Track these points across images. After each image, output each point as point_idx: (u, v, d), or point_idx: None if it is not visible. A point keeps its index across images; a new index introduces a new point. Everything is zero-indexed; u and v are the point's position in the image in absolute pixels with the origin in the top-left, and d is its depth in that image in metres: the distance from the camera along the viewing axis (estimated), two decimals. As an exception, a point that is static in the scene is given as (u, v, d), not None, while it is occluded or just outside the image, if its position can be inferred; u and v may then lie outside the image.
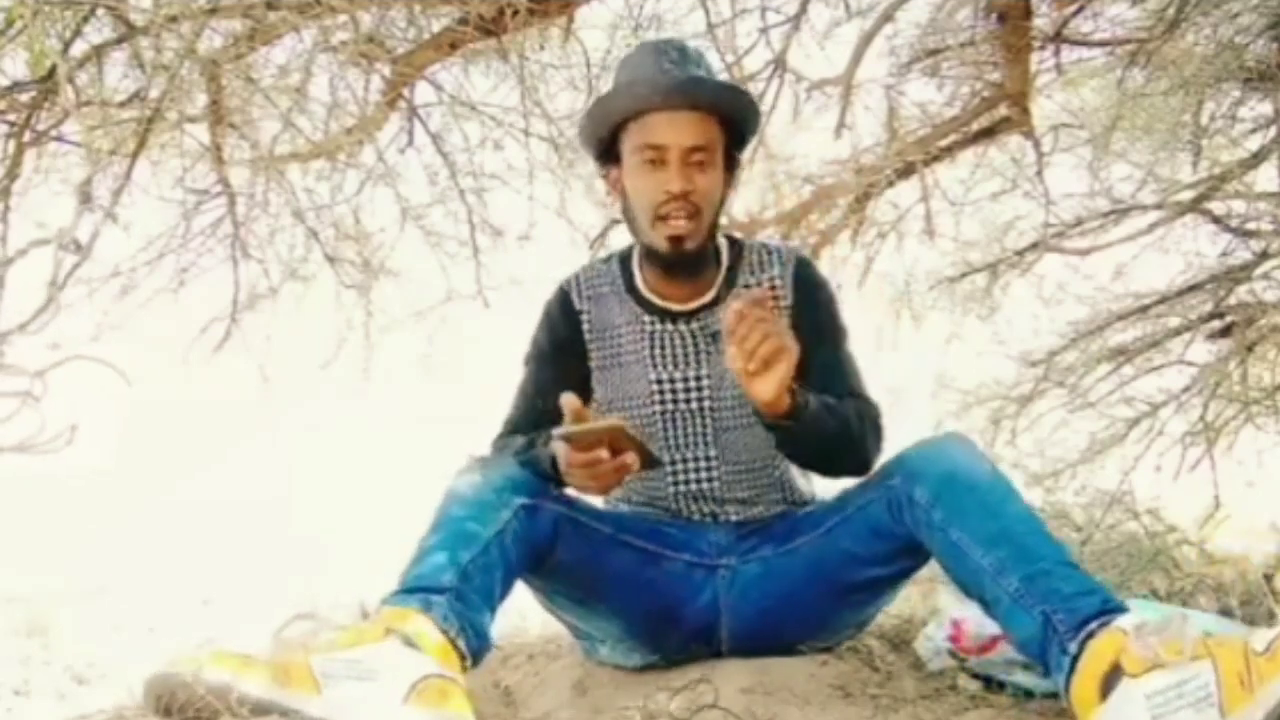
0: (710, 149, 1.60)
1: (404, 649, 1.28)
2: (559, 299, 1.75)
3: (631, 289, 1.72)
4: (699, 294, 1.69)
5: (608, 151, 1.66)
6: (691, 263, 1.63)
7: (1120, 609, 1.28)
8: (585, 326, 1.72)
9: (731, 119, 1.63)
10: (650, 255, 1.65)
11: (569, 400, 1.43)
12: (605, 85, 2.85)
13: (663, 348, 1.68)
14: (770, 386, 1.39)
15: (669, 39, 1.73)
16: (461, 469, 1.56)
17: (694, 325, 1.68)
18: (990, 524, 1.38)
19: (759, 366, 1.37)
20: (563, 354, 1.73)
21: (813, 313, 1.68)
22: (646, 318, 1.70)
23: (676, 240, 1.59)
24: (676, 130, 1.57)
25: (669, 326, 1.69)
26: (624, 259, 1.75)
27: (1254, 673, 1.13)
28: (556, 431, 1.45)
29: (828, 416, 1.51)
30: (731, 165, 1.67)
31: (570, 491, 1.58)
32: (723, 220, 3.13)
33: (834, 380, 1.63)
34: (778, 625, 1.61)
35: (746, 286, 1.68)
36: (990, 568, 1.35)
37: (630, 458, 1.43)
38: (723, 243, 1.73)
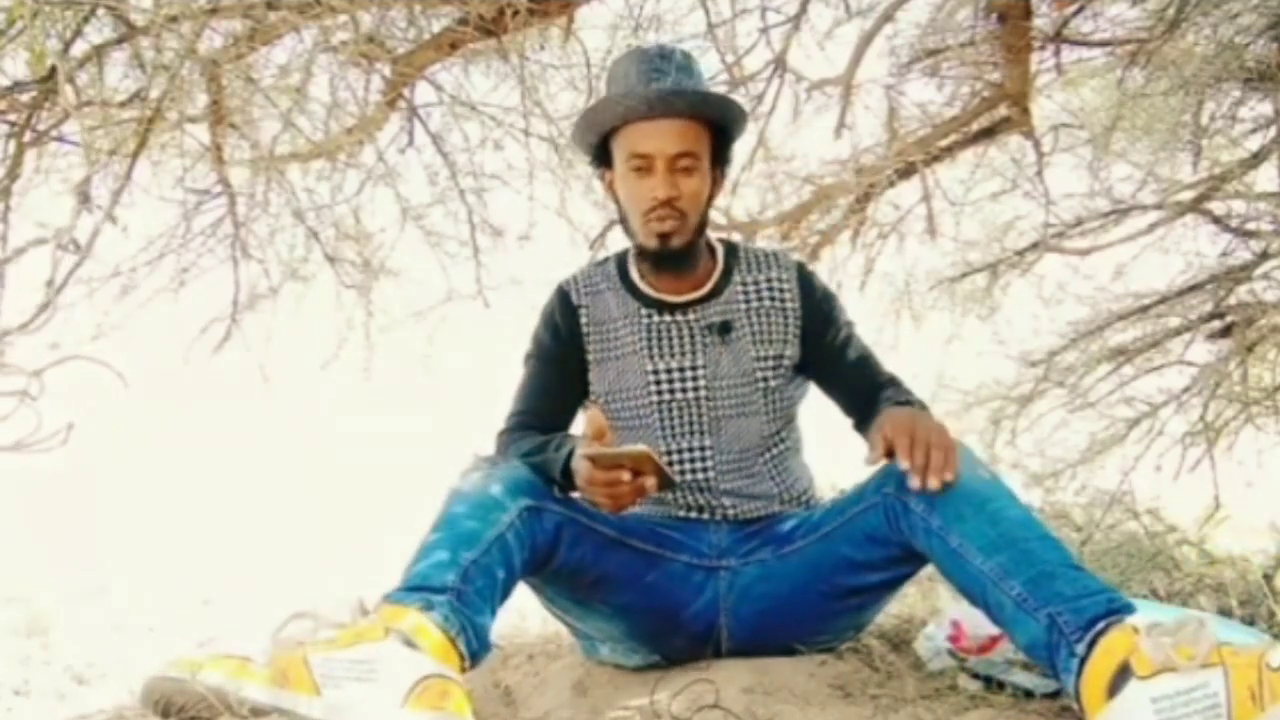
0: (695, 154, 1.63)
1: (404, 649, 1.27)
2: (558, 296, 1.78)
3: (629, 285, 1.75)
4: (695, 287, 1.72)
5: (601, 155, 1.71)
6: (680, 258, 1.67)
7: (1128, 608, 1.26)
8: (584, 320, 1.75)
9: (714, 122, 1.67)
10: (642, 253, 1.70)
11: (595, 417, 1.47)
12: (604, 86, 2.85)
13: (659, 339, 1.71)
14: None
15: (657, 46, 1.76)
16: (466, 468, 1.56)
17: (690, 317, 1.71)
18: (989, 529, 1.37)
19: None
20: (563, 351, 1.75)
21: (827, 319, 1.74)
22: (644, 310, 1.72)
23: (664, 237, 1.63)
24: (660, 139, 1.62)
25: (665, 318, 1.72)
26: (621, 259, 1.79)
27: (1266, 687, 1.11)
28: (583, 451, 1.47)
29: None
30: (720, 162, 1.71)
31: (574, 493, 1.59)
32: (722, 221, 3.15)
33: (870, 373, 1.73)
34: (777, 627, 1.61)
35: (744, 284, 1.73)
36: (992, 573, 1.34)
37: (649, 481, 1.45)
38: (717, 245, 1.77)
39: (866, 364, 1.74)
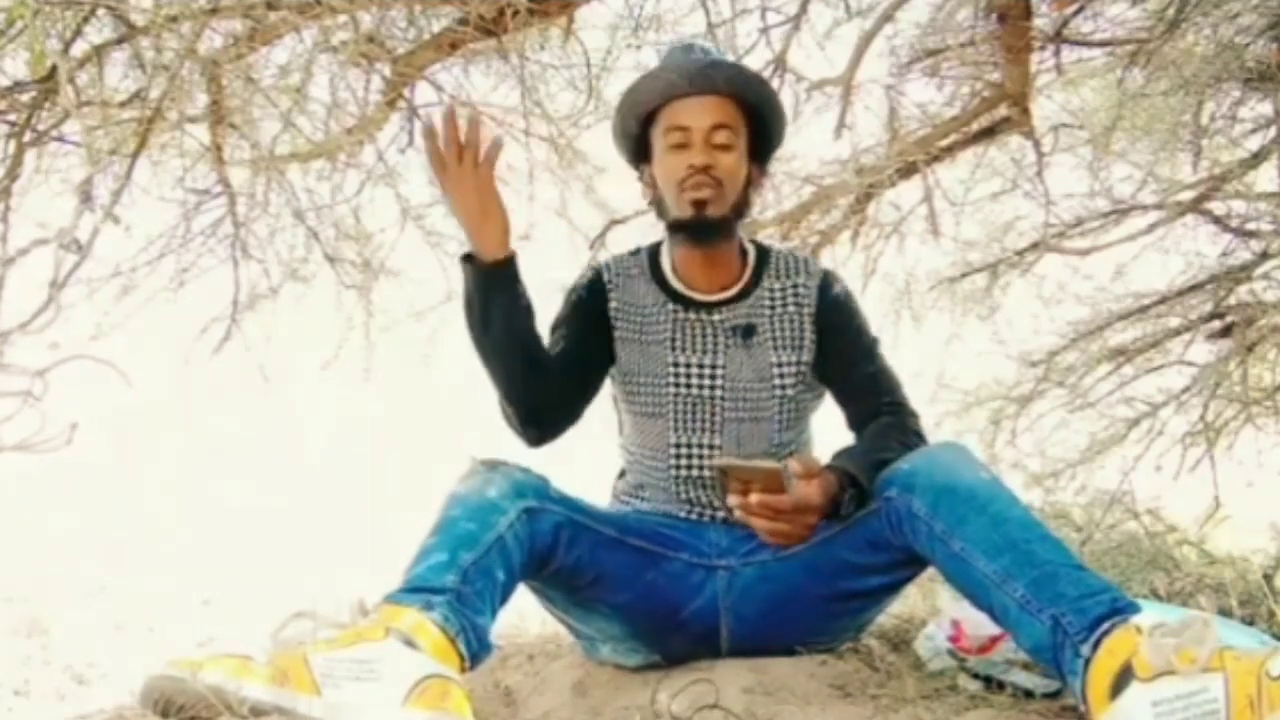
0: (732, 129, 1.66)
1: (404, 649, 1.27)
2: (591, 274, 1.80)
3: (659, 278, 1.77)
4: (724, 287, 1.74)
5: (640, 149, 1.74)
6: (715, 230, 1.67)
7: (1132, 607, 1.26)
8: (613, 302, 1.76)
9: (753, 105, 1.69)
10: (677, 229, 1.69)
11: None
12: (606, 86, 2.86)
13: (684, 333, 1.73)
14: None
15: (700, 42, 1.79)
16: (464, 472, 1.56)
17: (715, 317, 1.73)
18: (992, 532, 1.37)
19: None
20: (586, 326, 1.75)
21: (840, 326, 1.74)
22: (671, 305, 1.74)
23: (700, 204, 1.64)
24: (698, 112, 1.65)
25: (692, 315, 1.74)
26: (653, 251, 1.81)
27: (1265, 696, 1.11)
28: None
29: (872, 472, 1.55)
30: (759, 156, 1.73)
31: (571, 493, 1.60)
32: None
33: (873, 394, 1.72)
34: (776, 627, 1.61)
35: (771, 289, 1.74)
36: (995, 576, 1.34)
37: (754, 498, 1.44)
38: (750, 247, 1.79)
39: (873, 381, 1.72)
